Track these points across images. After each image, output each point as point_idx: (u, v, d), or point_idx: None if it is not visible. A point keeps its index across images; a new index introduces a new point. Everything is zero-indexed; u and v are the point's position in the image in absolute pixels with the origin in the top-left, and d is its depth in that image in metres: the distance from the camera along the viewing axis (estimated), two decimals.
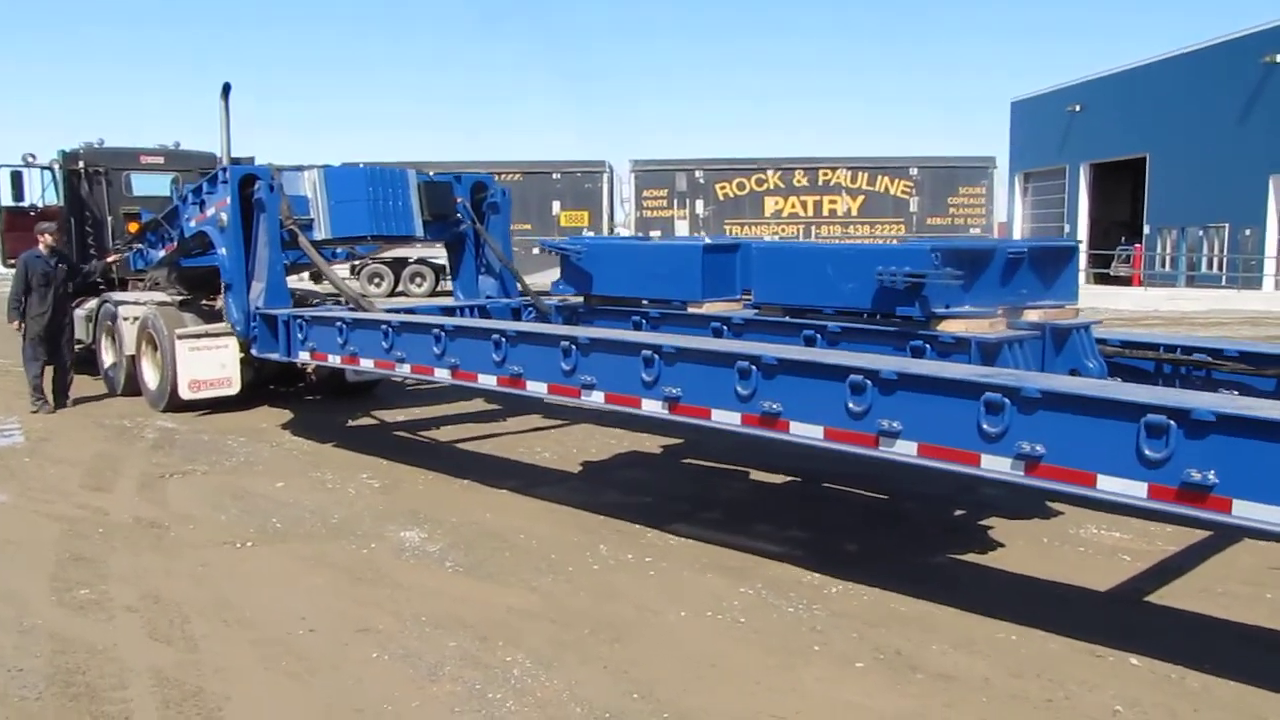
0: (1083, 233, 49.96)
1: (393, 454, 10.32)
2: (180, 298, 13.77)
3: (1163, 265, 42.64)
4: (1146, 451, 4.63)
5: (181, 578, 6.72)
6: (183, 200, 11.98)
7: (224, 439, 11.21)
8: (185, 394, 12.13)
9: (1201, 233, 40.81)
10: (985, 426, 5.15)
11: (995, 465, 5.17)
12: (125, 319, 13.55)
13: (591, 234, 36.48)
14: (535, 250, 32.30)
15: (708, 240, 9.54)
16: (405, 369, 8.60)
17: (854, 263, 7.22)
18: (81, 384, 14.29)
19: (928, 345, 6.81)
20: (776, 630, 5.82)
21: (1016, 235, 54.57)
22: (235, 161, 13.05)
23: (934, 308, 6.78)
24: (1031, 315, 7.33)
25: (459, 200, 11.83)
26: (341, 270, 32.61)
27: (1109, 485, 4.82)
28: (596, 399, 7.03)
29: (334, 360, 9.39)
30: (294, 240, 10.45)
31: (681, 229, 37.66)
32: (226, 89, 11.95)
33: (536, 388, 7.46)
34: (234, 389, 12.28)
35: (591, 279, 9.48)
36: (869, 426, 5.62)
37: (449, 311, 10.76)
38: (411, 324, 8.65)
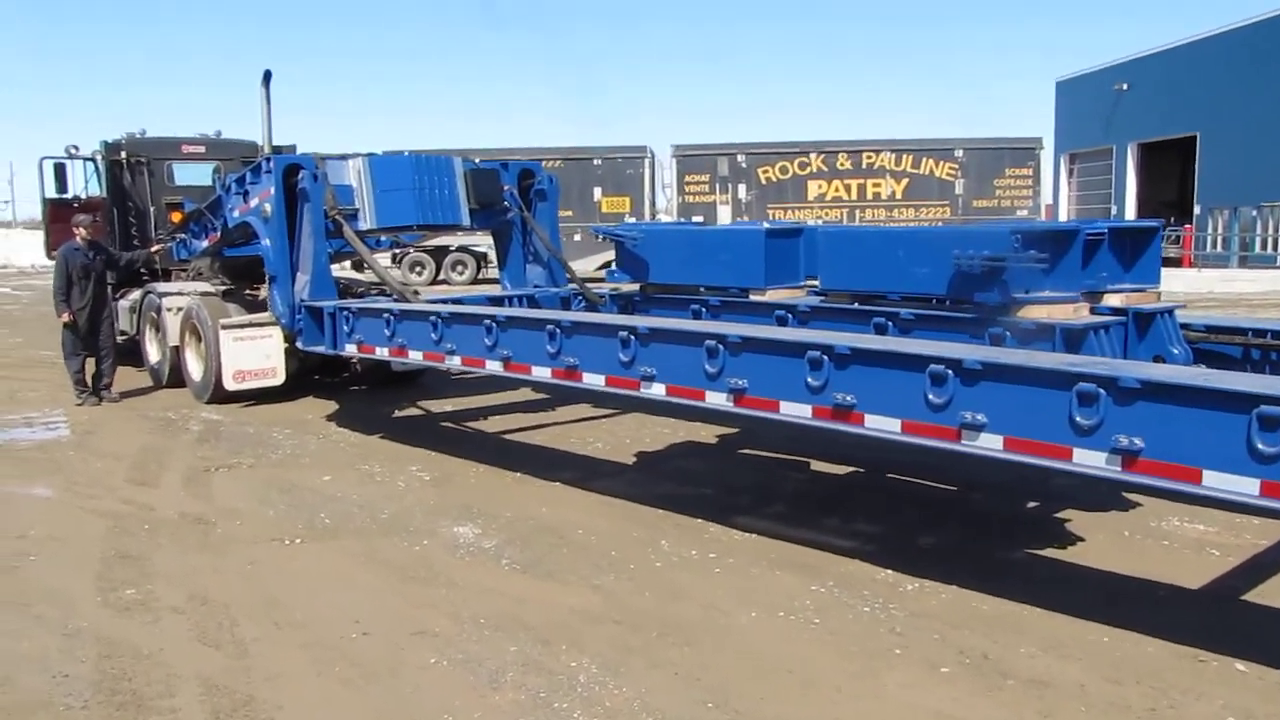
0: (1130, 214, 49.11)
1: (441, 445, 10.09)
2: (224, 287, 13.61)
3: (1214, 246, 41.79)
4: (1260, 445, 4.30)
5: (229, 576, 6.50)
6: (225, 190, 11.80)
7: (269, 431, 11.02)
8: (230, 385, 11.97)
9: (1255, 212, 39.97)
10: (1078, 419, 4.83)
11: (1089, 460, 4.85)
12: (169, 310, 13.40)
13: (633, 220, 36.17)
14: (577, 236, 32.15)
15: (768, 225, 9.22)
16: (455, 361, 8.34)
17: (928, 247, 6.90)
18: (126, 375, 14.16)
19: (1007, 332, 6.49)
20: (853, 632, 5.52)
21: (1063, 218, 53.77)
22: (277, 150, 12.86)
23: (1014, 293, 6.44)
24: (1112, 299, 7.00)
25: (506, 188, 11.55)
26: (383, 259, 32.56)
27: (1216, 481, 4.48)
28: (657, 391, 6.74)
29: (381, 353, 9.16)
30: (338, 230, 10.24)
31: (724, 214, 37.30)
32: (267, 76, 11.74)
33: (593, 380, 7.18)
34: (279, 379, 12.10)
35: (648, 266, 9.19)
36: (950, 419, 5.31)
37: (497, 301, 10.51)
38: (461, 315, 8.39)
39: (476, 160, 12.03)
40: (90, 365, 13.02)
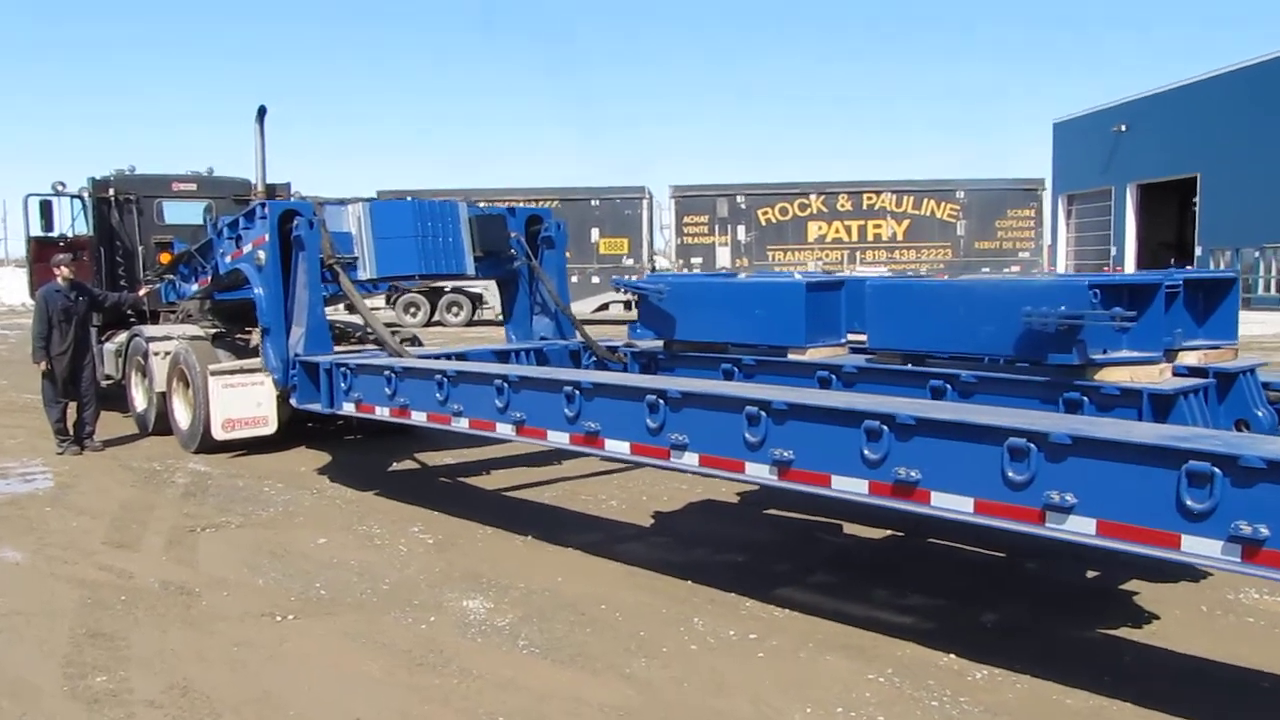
0: (1130, 255, 48.92)
1: (443, 504, 9.41)
2: (214, 331, 12.99)
3: None
4: None
5: (214, 663, 5.80)
6: (218, 235, 11.16)
7: (260, 485, 10.35)
8: (219, 434, 11.33)
9: (1258, 253, 39.64)
10: (1189, 502, 4.16)
11: (1201, 549, 4.19)
12: (156, 354, 12.77)
13: (631, 261, 35.66)
14: (574, 278, 31.61)
15: (799, 275, 8.56)
16: (463, 424, 7.66)
17: (993, 302, 6.24)
18: (111, 421, 13.54)
19: (1085, 398, 5.85)
20: None
21: (1061, 259, 53.57)
22: (271, 188, 12.27)
23: (1091, 353, 5.81)
24: (1188, 358, 6.37)
25: (513, 234, 10.92)
26: (377, 301, 31.94)
27: None
28: (689, 462, 6.06)
29: (382, 413, 8.47)
30: (335, 280, 9.61)
31: (723, 256, 36.84)
32: (262, 112, 11.17)
33: (617, 447, 6.50)
34: (270, 428, 11.46)
35: (674, 322, 8.45)
36: (1033, 499, 4.64)
37: (503, 355, 9.86)
38: (470, 373, 7.71)
39: (481, 204, 11.43)
40: (73, 412, 12.38)
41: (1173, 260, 44.23)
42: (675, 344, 8.61)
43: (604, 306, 35.15)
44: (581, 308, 30.85)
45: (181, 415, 12.51)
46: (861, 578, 7.28)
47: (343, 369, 8.87)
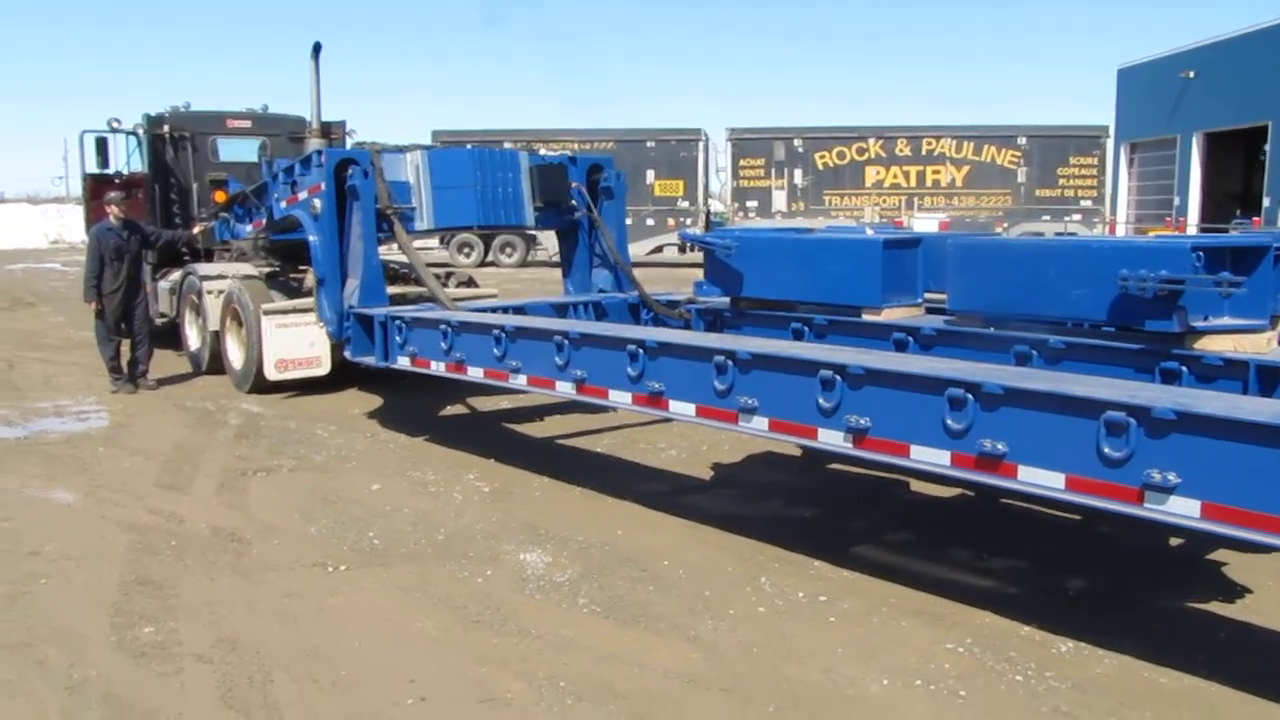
0: (1194, 206, 47.76)
1: (498, 451, 9.20)
2: (268, 270, 12.83)
3: None
4: None
5: (264, 615, 5.62)
6: (273, 179, 10.95)
7: (313, 427, 10.20)
8: (271, 374, 11.23)
9: None
10: None
11: None
12: (209, 293, 12.64)
13: (687, 203, 35.27)
14: (629, 220, 31.39)
15: (879, 233, 8.15)
16: (521, 380, 7.43)
17: (1086, 263, 5.86)
18: (166, 359, 13.43)
19: (1184, 368, 5.49)
20: (1011, 711, 4.56)
21: (1121, 209, 52.45)
22: (326, 127, 12.02)
23: (1192, 320, 5.44)
24: None
25: (573, 185, 10.62)
26: (430, 241, 31.77)
27: None
28: (758, 425, 5.80)
29: (437, 368, 8.26)
30: (391, 231, 9.38)
31: (779, 200, 36.29)
32: (317, 49, 10.90)
33: (682, 409, 6.25)
34: (324, 369, 11.35)
35: (742, 278, 8.06)
36: (1130, 478, 4.33)
37: (561, 309, 9.58)
38: (529, 329, 7.45)
39: (541, 150, 11.12)
40: (126, 350, 12.30)
41: (1238, 212, 43.12)
42: (742, 301, 8.28)
43: (658, 249, 34.84)
44: (635, 250, 30.52)
45: (235, 355, 12.40)
46: (933, 538, 6.98)
47: (398, 322, 8.65)
